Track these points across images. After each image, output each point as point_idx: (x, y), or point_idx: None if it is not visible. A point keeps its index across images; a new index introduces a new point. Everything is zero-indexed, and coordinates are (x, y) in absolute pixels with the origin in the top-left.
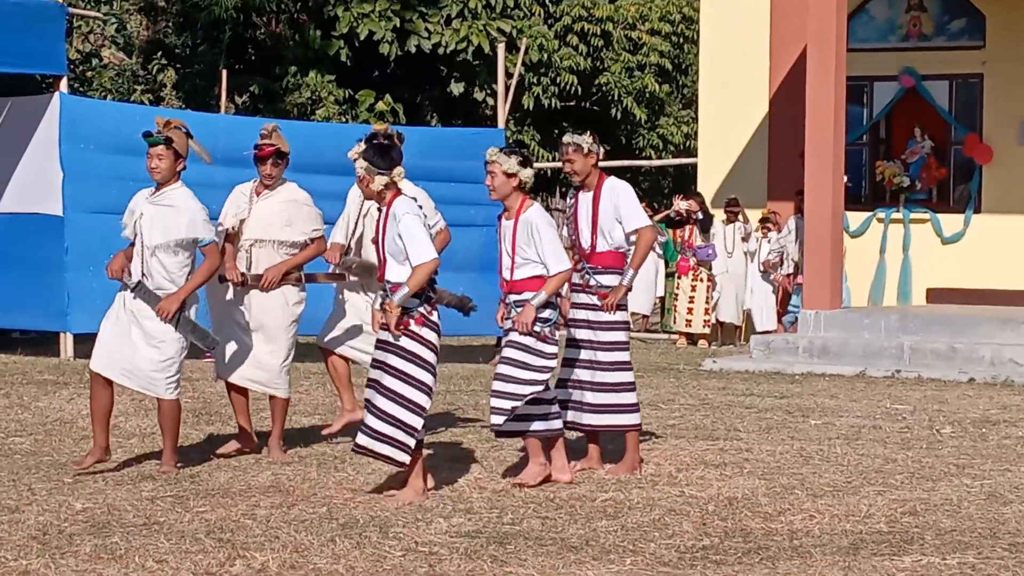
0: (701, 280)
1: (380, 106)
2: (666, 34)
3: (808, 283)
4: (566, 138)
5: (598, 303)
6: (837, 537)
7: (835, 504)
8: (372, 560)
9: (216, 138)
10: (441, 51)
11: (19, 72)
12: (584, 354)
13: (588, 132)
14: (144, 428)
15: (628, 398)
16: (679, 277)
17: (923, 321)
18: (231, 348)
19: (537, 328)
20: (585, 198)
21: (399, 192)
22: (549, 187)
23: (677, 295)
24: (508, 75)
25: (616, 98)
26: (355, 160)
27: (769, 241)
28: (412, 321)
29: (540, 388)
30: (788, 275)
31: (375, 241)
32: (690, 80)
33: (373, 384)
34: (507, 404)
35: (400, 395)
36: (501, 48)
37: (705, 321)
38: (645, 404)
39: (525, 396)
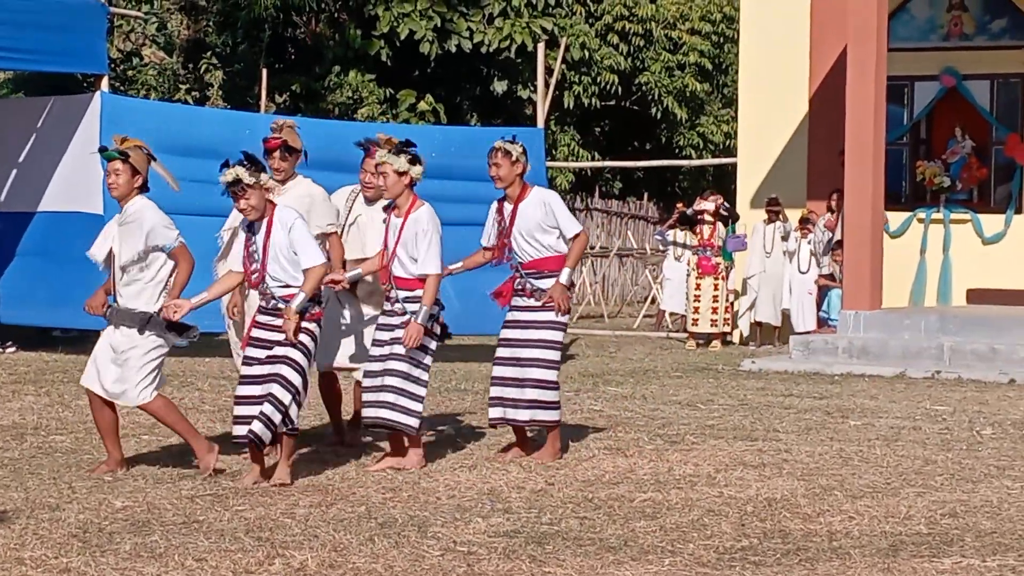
0: (723, 279)
1: (422, 106)
2: (706, 33)
3: (848, 284)
4: (497, 143)
5: (535, 304)
6: (876, 539)
7: (874, 505)
8: (410, 559)
9: (256, 136)
10: (483, 50)
11: (60, 71)
12: (515, 352)
13: (520, 144)
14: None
15: (551, 395)
16: (700, 277)
17: (963, 322)
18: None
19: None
20: (509, 209)
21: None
22: (589, 187)
23: (699, 295)
24: (549, 72)
25: (656, 97)
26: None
27: (809, 242)
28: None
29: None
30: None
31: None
32: (730, 79)
33: (272, 378)
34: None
35: (297, 388)
36: (541, 46)
37: (726, 320)
38: (684, 404)
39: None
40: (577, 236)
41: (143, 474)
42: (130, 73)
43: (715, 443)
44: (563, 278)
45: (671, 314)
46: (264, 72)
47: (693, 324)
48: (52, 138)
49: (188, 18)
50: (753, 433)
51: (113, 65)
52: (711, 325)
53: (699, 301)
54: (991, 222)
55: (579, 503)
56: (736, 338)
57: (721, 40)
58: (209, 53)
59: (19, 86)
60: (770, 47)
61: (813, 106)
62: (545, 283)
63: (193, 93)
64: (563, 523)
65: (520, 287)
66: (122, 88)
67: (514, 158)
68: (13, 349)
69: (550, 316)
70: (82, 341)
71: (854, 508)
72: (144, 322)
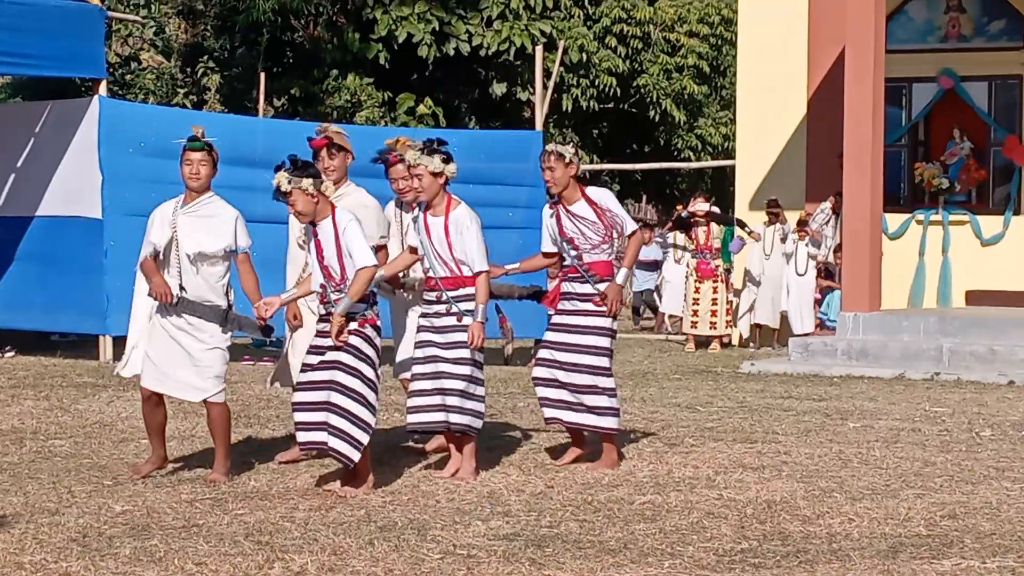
0: (722, 282)
1: (420, 109)
2: (704, 36)
3: (847, 285)
4: (548, 147)
5: (580, 308)
6: (876, 540)
7: (874, 507)
8: (410, 563)
9: (255, 141)
10: (482, 53)
11: (59, 75)
12: (561, 355)
13: (572, 144)
14: (183, 431)
15: (609, 402)
16: (699, 281)
17: (962, 323)
18: None
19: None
20: (576, 208)
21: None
22: None
23: (697, 299)
24: (547, 75)
25: (654, 100)
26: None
27: (807, 244)
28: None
29: None
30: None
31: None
32: (728, 82)
33: (329, 385)
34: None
35: (360, 394)
36: (539, 49)
37: (727, 322)
38: (683, 406)
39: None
40: (633, 234)
41: (142, 478)
42: (128, 77)
43: (714, 445)
44: (619, 278)
45: (670, 316)
46: (262, 76)
47: (692, 327)
48: (50, 142)
49: (186, 22)
50: (752, 435)
51: (111, 69)
52: (710, 328)
53: (698, 304)
54: (990, 223)
55: (579, 506)
56: (736, 339)
57: (719, 42)
58: (207, 57)
59: (17, 90)
60: (768, 49)
61: (811, 108)
62: (601, 285)
63: (191, 97)
64: (563, 526)
65: (569, 290)
66: (120, 92)
67: (567, 160)
68: (12, 353)
69: (599, 322)
70: (81, 345)
71: (853, 510)
72: (224, 317)
